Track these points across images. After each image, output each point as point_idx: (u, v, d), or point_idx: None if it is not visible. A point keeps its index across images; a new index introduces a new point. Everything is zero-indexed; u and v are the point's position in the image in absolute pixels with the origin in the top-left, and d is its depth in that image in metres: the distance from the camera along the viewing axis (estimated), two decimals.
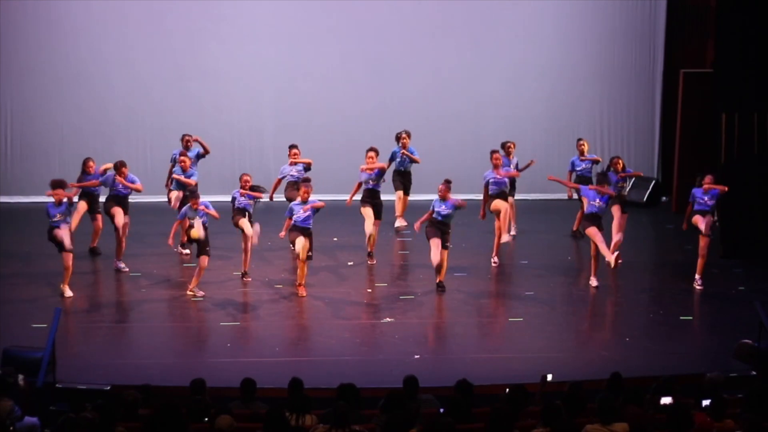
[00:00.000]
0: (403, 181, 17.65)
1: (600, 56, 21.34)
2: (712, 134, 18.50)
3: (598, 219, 14.89)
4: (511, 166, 16.94)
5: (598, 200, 14.93)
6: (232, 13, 20.61)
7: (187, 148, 17.00)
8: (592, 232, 14.81)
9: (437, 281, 14.81)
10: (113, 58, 20.43)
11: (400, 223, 17.43)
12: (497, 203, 15.86)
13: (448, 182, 14.78)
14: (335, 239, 17.17)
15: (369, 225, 15.77)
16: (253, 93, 20.83)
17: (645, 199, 20.98)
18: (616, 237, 15.48)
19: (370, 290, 15.07)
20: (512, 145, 17.41)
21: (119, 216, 15.55)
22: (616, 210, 15.96)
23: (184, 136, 17.22)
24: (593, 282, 15.08)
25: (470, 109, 21.13)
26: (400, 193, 17.47)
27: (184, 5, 20.54)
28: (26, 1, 20.07)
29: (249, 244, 15.11)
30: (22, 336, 12.85)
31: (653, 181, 21.27)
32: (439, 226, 14.61)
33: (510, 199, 16.58)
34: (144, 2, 20.36)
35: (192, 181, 16.26)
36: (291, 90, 20.85)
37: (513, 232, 16.98)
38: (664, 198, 21.24)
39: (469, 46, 21.06)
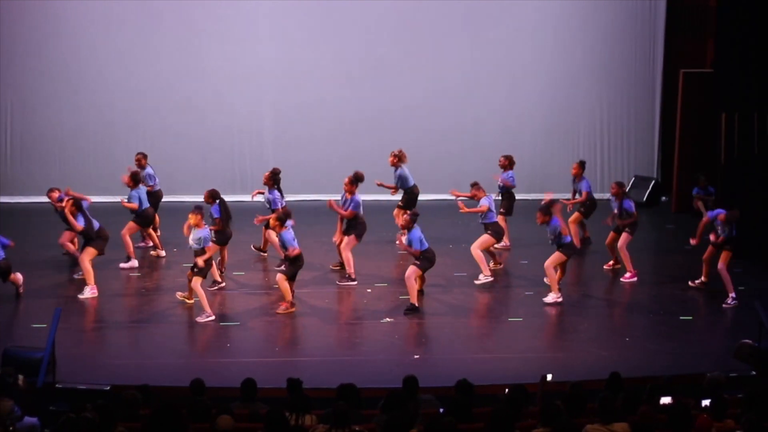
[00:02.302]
0: (402, 198, 17.48)
1: (600, 56, 21.34)
2: (712, 134, 18.51)
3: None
4: (499, 179, 17.28)
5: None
6: (232, 14, 20.61)
7: (140, 166, 16.86)
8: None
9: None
10: (113, 59, 20.43)
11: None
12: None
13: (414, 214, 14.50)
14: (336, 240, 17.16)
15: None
16: (253, 94, 20.82)
17: (644, 199, 20.97)
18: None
19: (369, 290, 15.07)
20: (502, 160, 17.39)
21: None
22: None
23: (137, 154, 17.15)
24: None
25: (470, 110, 21.12)
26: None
27: (184, 6, 20.54)
28: (26, 1, 20.07)
29: None
30: (22, 336, 12.87)
31: (653, 181, 21.26)
32: None
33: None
34: (144, 3, 20.36)
35: (134, 204, 16.01)
36: (291, 91, 20.84)
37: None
38: (663, 198, 21.24)
39: (470, 47, 21.05)
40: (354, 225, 15.45)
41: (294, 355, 12.94)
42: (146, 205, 16.23)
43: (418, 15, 20.90)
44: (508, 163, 17.38)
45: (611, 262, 16.33)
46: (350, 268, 15.38)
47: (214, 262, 14.73)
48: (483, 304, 14.96)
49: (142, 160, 16.98)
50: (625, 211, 15.78)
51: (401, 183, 17.19)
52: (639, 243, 17.14)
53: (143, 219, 16.26)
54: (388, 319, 13.96)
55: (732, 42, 17.25)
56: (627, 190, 16.46)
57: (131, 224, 16.19)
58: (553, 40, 21.16)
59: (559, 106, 21.34)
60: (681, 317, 14.33)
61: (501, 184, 17.31)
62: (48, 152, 20.46)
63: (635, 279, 15.72)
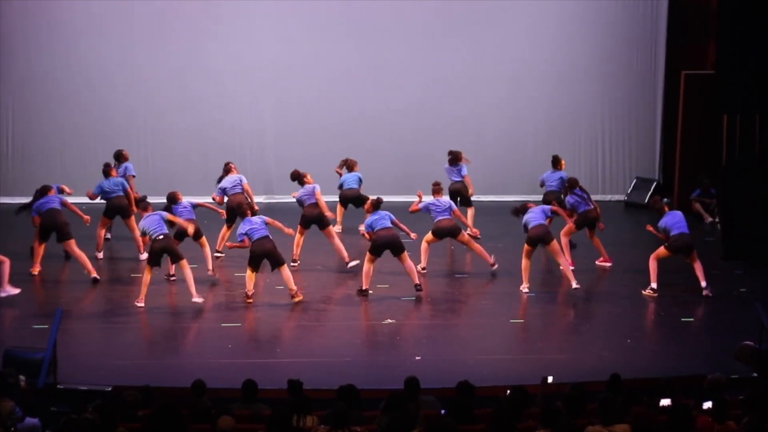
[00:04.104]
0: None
1: (601, 58, 21.34)
2: (713, 135, 18.50)
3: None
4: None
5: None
6: (233, 14, 20.63)
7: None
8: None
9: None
10: (114, 59, 20.45)
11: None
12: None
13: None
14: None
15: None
16: (253, 93, 20.84)
17: (646, 200, 20.97)
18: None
19: (371, 291, 15.06)
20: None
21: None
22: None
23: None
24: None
25: (471, 111, 21.13)
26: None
27: (185, 6, 20.56)
28: (27, 1, 20.08)
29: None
30: (24, 337, 12.87)
31: (654, 183, 21.26)
32: None
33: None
34: (145, 3, 20.37)
35: (90, 192, 16.64)
36: (292, 91, 20.86)
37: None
38: (665, 199, 21.22)
39: (470, 47, 21.06)
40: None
41: (295, 356, 12.93)
42: (113, 195, 16.46)
43: (418, 14, 20.90)
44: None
45: (601, 258, 16.37)
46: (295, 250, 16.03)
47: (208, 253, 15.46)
48: (484, 305, 14.95)
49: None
50: (570, 205, 16.22)
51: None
52: (640, 244, 17.16)
53: (107, 210, 16.56)
54: (389, 321, 13.96)
55: (734, 43, 17.21)
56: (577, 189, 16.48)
57: (102, 218, 16.56)
58: (554, 41, 21.16)
59: (560, 108, 21.34)
60: (682, 318, 14.32)
61: None
62: (48, 152, 20.46)
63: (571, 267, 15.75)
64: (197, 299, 14.23)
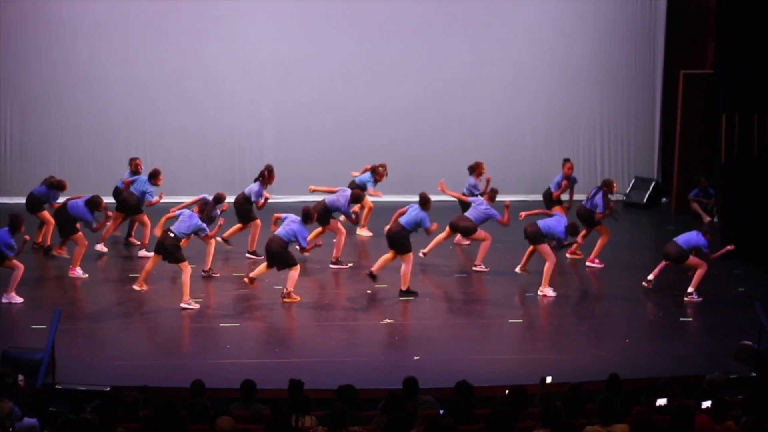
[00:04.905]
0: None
1: (600, 57, 21.33)
2: (712, 135, 18.51)
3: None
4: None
5: None
6: (232, 15, 20.59)
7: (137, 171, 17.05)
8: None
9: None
10: (112, 59, 20.41)
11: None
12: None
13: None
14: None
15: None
16: (252, 94, 20.80)
17: (645, 200, 20.98)
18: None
19: (369, 291, 15.07)
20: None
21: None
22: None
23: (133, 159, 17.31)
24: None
25: (471, 111, 21.10)
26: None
27: (184, 6, 20.52)
28: (26, 1, 20.06)
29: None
30: (22, 337, 12.87)
31: (653, 183, 21.26)
32: None
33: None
34: (143, 3, 20.33)
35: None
36: (291, 91, 20.82)
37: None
38: (664, 199, 21.24)
39: (470, 47, 21.03)
40: None
41: (293, 356, 12.93)
42: (135, 195, 16.61)
43: (418, 14, 20.86)
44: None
45: (590, 257, 16.42)
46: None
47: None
48: (483, 305, 14.95)
49: (139, 165, 17.12)
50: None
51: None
52: (639, 244, 17.16)
53: (119, 206, 16.78)
54: (388, 320, 13.96)
55: (732, 43, 17.24)
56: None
57: (114, 213, 16.70)
58: (553, 41, 21.14)
59: (560, 108, 21.33)
60: (681, 318, 14.32)
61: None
62: (48, 152, 20.43)
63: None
64: (185, 304, 14.15)
